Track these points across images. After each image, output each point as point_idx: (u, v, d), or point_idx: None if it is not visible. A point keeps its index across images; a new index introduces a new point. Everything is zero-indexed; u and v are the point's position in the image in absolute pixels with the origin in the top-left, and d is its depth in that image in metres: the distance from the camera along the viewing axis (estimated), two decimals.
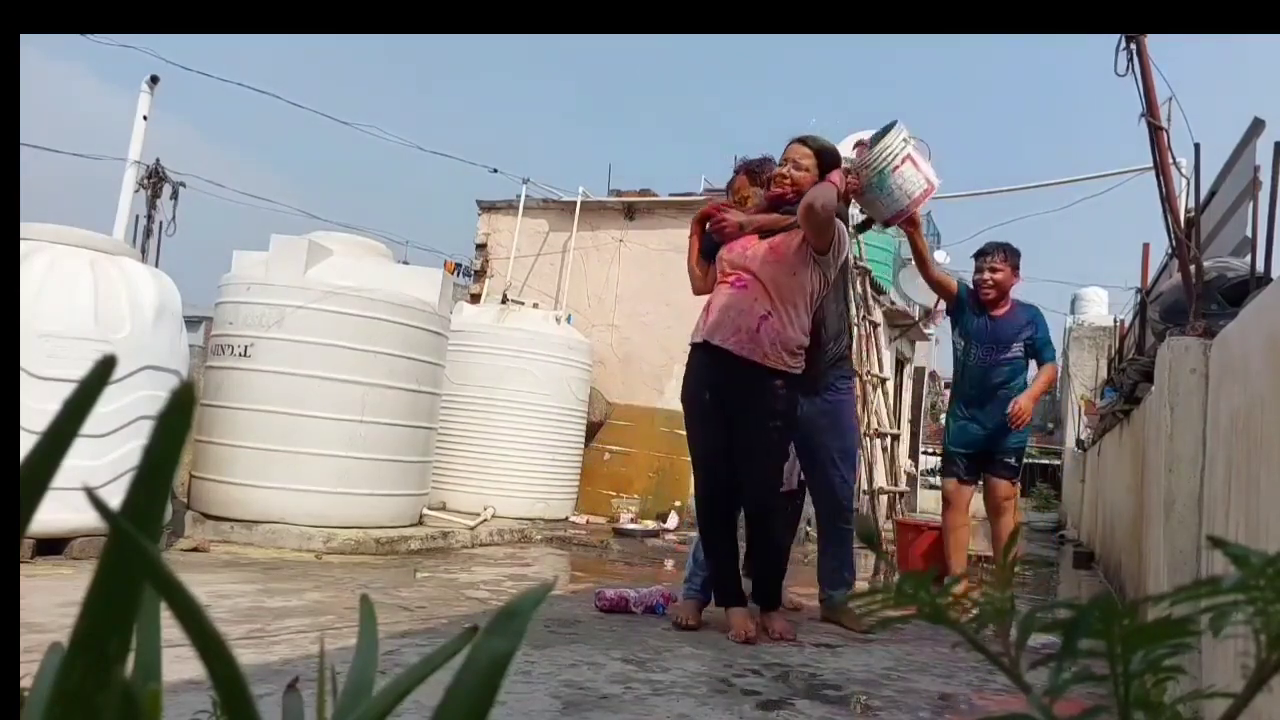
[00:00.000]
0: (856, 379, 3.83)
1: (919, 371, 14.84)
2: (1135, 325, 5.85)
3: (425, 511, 5.54)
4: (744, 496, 3.40)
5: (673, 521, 7.34)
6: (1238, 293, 3.25)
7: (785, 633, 3.34)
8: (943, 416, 19.61)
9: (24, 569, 3.21)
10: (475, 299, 8.67)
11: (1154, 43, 3.65)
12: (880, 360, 8.96)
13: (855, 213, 3.84)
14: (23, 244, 3.75)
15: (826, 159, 3.42)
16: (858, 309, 8.88)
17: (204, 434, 4.81)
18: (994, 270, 4.59)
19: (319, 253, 4.96)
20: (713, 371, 3.28)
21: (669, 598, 3.66)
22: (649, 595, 3.66)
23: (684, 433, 3.56)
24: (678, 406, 3.82)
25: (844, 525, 3.78)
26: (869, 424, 8.84)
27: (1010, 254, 4.63)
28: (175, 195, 9.52)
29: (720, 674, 2.78)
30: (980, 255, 4.69)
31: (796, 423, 3.39)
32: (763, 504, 3.35)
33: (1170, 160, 3.85)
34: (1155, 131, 3.72)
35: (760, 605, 3.45)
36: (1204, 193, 4.11)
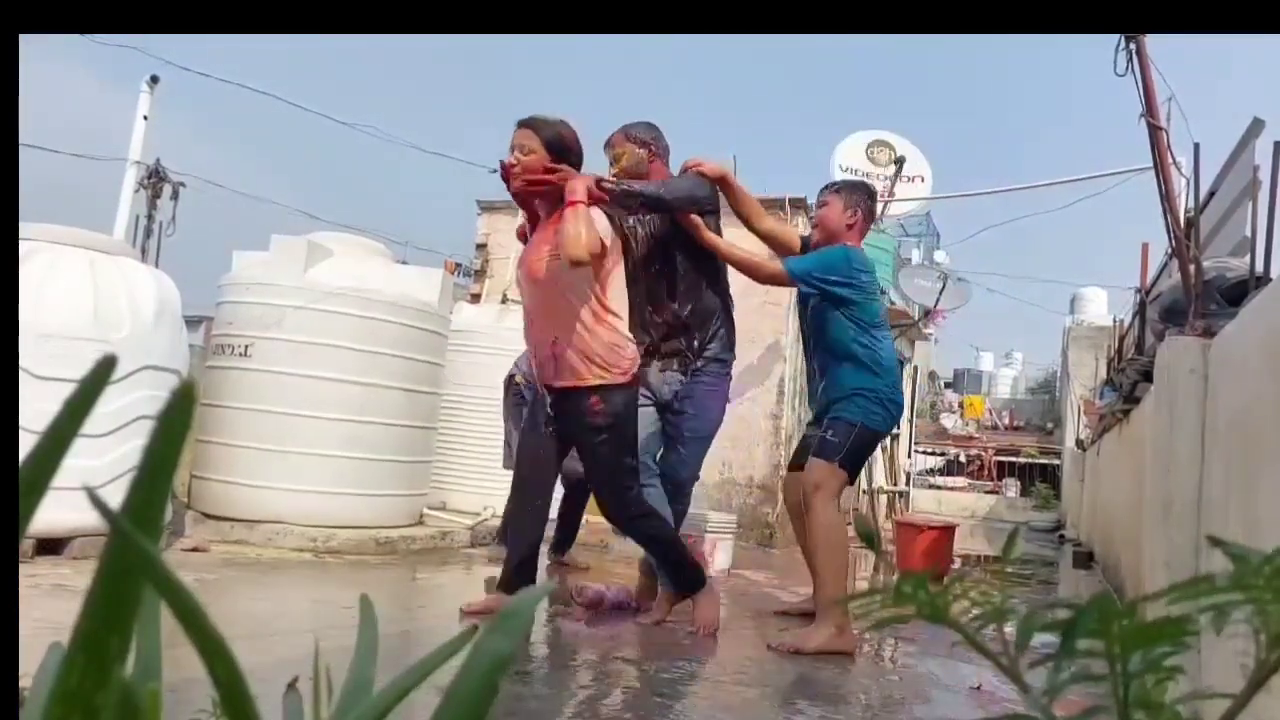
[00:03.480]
0: (728, 373, 3.68)
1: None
2: (1134, 325, 5.86)
3: (425, 511, 5.54)
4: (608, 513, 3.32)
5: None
6: (1237, 293, 3.26)
7: (707, 622, 3.26)
8: (942, 417, 19.63)
9: (24, 569, 3.21)
10: (475, 299, 8.66)
11: (1154, 43, 3.66)
12: None
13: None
14: (23, 244, 3.75)
15: (554, 146, 3.14)
16: None
17: (204, 434, 4.81)
18: (820, 205, 3.65)
19: (319, 253, 4.96)
20: (549, 403, 3.22)
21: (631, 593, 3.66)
22: (619, 592, 3.66)
23: None
24: None
25: (678, 507, 3.61)
26: None
27: (850, 191, 3.63)
28: (175, 195, 9.52)
29: (718, 674, 2.78)
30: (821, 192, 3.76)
31: (629, 423, 3.18)
32: (621, 515, 3.25)
33: (1170, 160, 3.86)
34: (1155, 131, 3.72)
35: (678, 591, 3.35)
36: (1203, 193, 4.11)
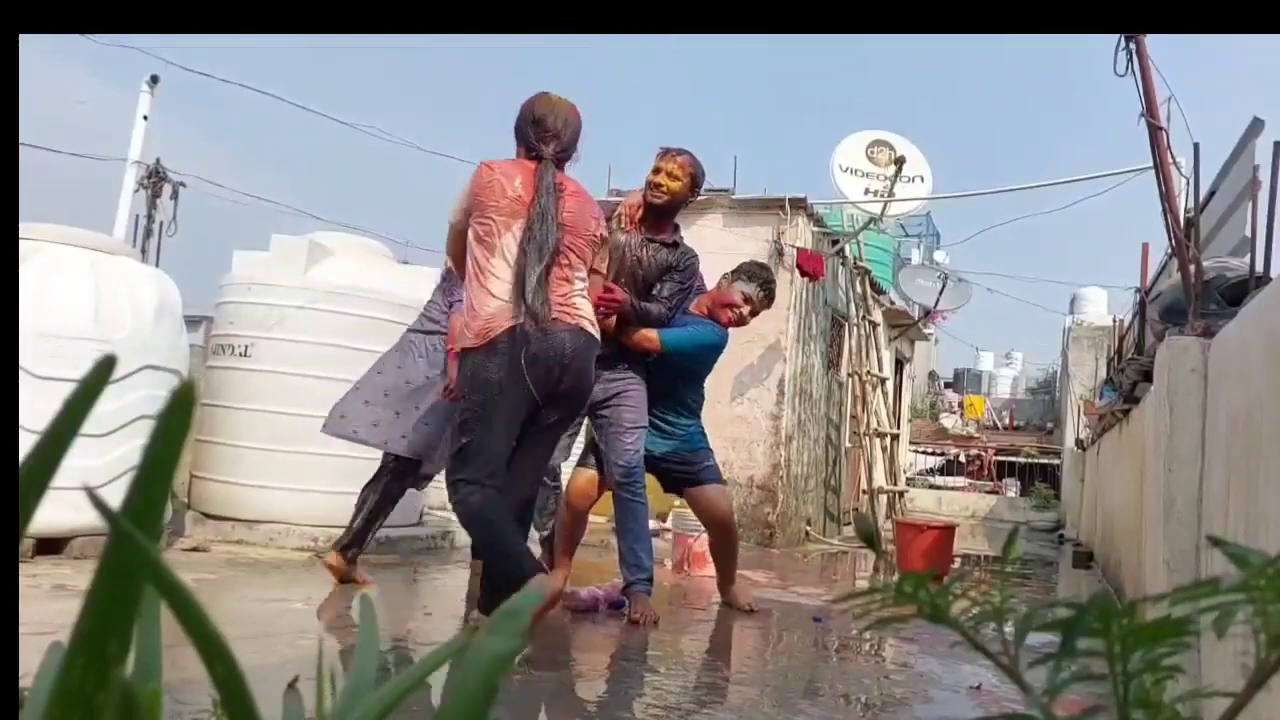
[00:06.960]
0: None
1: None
2: (1134, 325, 5.85)
3: (425, 511, 5.54)
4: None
5: (672, 521, 7.33)
6: (1237, 293, 3.26)
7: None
8: (942, 417, 19.62)
9: (24, 569, 3.21)
10: None
11: (1154, 43, 3.66)
12: (879, 360, 8.95)
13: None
14: (23, 244, 3.75)
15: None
16: (857, 309, 8.88)
17: (204, 434, 4.81)
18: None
19: (319, 253, 4.96)
20: None
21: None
22: (610, 591, 3.67)
23: None
24: None
25: (634, 498, 3.71)
26: (868, 423, 8.84)
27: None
28: (175, 195, 9.52)
29: (719, 674, 2.78)
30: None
31: (472, 392, 2.90)
32: (449, 489, 2.97)
33: (1170, 160, 3.86)
34: (1155, 131, 3.72)
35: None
36: (1203, 193, 4.11)
